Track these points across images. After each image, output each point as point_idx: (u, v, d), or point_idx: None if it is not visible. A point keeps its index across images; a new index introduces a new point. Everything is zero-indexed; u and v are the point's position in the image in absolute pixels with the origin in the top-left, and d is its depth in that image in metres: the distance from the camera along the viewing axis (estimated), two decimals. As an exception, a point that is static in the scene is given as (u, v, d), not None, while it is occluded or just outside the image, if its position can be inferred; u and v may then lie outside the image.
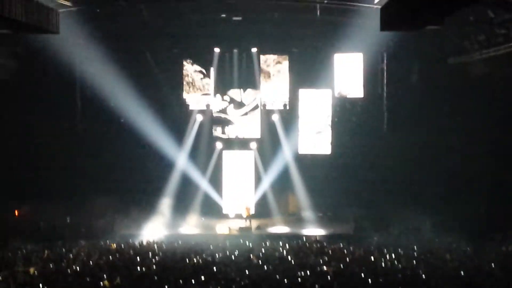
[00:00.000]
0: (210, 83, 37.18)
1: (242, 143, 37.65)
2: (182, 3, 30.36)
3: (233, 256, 24.05)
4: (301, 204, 36.74)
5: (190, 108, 37.38)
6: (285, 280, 18.85)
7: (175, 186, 36.80)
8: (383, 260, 22.68)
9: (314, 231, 33.22)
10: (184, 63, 36.96)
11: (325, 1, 29.42)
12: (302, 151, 37.12)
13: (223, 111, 37.45)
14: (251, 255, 23.95)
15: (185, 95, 37.29)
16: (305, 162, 37.09)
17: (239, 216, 35.41)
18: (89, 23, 30.47)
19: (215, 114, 37.55)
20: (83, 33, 30.93)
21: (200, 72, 37.06)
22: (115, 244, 27.71)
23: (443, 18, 19.46)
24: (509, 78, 29.23)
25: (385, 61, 35.33)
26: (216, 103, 37.46)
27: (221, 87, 37.29)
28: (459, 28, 29.12)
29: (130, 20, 32.11)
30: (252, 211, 36.12)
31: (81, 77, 35.69)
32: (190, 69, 37.01)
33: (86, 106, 36.20)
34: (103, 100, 35.54)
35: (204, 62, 37.00)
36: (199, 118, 37.38)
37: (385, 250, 24.97)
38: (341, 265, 21.74)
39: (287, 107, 37.29)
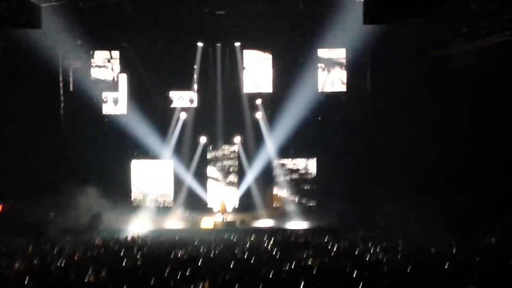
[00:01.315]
0: (193, 77, 37.14)
1: (226, 137, 37.63)
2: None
3: (217, 251, 24.07)
4: (286, 198, 36.82)
5: (173, 105, 37.30)
6: (270, 274, 18.85)
7: (161, 179, 37.01)
8: (368, 253, 22.72)
9: (298, 224, 33.28)
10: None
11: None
12: (285, 145, 37.10)
13: (206, 105, 37.39)
14: (236, 249, 23.97)
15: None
16: (289, 156, 37.17)
17: (222, 213, 35.40)
18: (71, 17, 30.35)
19: (198, 109, 37.50)
20: (66, 27, 30.81)
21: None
22: (100, 239, 27.68)
23: (426, 11, 19.49)
24: (493, 71, 29.31)
25: (368, 54, 35.36)
26: (200, 98, 37.37)
27: (204, 82, 37.20)
28: (442, 21, 29.17)
29: (113, 14, 31.95)
30: (229, 207, 36.22)
31: (64, 71, 35.55)
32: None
33: (69, 100, 36.04)
34: (86, 94, 35.58)
35: (187, 56, 36.88)
36: (182, 116, 37.27)
37: (370, 243, 25.03)
38: (326, 258, 21.75)
39: (270, 101, 37.27)
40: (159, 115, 36.92)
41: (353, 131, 35.66)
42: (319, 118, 36.76)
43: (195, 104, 37.25)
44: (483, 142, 30.59)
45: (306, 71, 35.52)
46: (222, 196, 36.69)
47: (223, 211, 35.17)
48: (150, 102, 36.78)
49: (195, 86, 37.06)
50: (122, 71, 36.37)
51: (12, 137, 33.88)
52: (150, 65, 36.33)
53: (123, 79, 36.58)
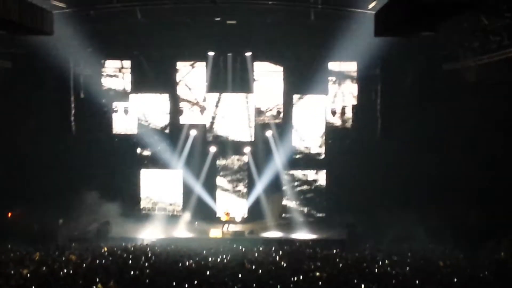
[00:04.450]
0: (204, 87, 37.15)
1: (236, 147, 37.63)
2: (176, 6, 30.30)
3: (226, 261, 24.06)
4: (295, 209, 36.78)
5: (182, 121, 37.45)
6: (278, 285, 18.84)
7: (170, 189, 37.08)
8: (376, 266, 22.68)
9: (307, 236, 33.24)
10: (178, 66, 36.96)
11: (319, 6, 29.39)
12: (296, 156, 37.17)
13: (217, 115, 37.43)
14: (244, 259, 23.95)
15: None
16: (298, 167, 37.17)
17: (227, 222, 35.33)
18: (83, 24, 30.43)
19: (209, 119, 37.55)
20: (77, 34, 30.88)
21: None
22: (107, 248, 27.67)
23: (437, 24, 19.46)
24: (503, 85, 29.25)
25: (379, 67, 35.33)
26: (210, 107, 37.40)
27: (215, 91, 37.19)
28: (453, 35, 29.15)
29: (124, 22, 31.99)
30: (237, 216, 36.18)
31: (75, 78, 35.59)
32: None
33: (79, 108, 36.10)
34: (97, 103, 35.74)
35: (198, 65, 36.90)
36: (192, 133, 37.32)
37: (379, 256, 24.98)
38: (334, 270, 21.73)
39: (281, 114, 37.30)
40: (170, 126, 37.02)
41: (362, 142, 35.64)
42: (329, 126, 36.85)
43: (205, 115, 37.25)
44: (493, 156, 30.49)
45: (317, 84, 35.55)
46: (227, 206, 36.63)
47: (228, 219, 35.14)
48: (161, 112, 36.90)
49: (206, 94, 37.05)
50: (133, 80, 36.42)
51: (22, 144, 33.94)
52: (161, 74, 36.36)
53: (133, 89, 36.66)
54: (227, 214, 35.51)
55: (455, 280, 19.84)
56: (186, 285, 18.57)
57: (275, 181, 36.61)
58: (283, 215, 37.18)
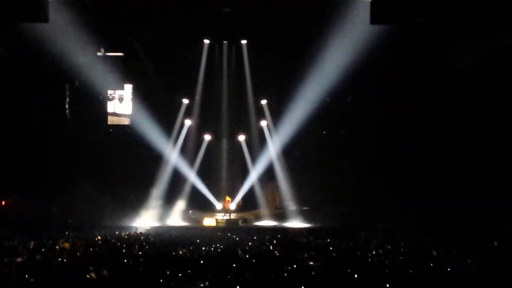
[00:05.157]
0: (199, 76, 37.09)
1: (230, 135, 37.61)
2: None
3: (219, 249, 24.04)
4: (288, 197, 36.75)
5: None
6: (271, 274, 18.81)
7: (163, 178, 36.88)
8: (369, 255, 22.67)
9: (301, 225, 33.25)
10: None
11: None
12: (289, 145, 37.05)
13: (212, 103, 37.39)
14: (238, 248, 23.93)
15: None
16: (292, 156, 37.13)
17: (226, 209, 35.35)
18: (78, 12, 30.30)
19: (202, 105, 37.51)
20: (73, 22, 30.76)
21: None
22: (101, 236, 27.65)
23: (433, 12, 19.45)
24: (499, 73, 29.23)
25: (374, 56, 35.17)
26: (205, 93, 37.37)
27: (210, 79, 37.13)
28: (449, 22, 29.06)
29: (120, 9, 31.89)
30: (233, 204, 36.17)
31: (70, 66, 35.44)
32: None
33: (74, 96, 36.02)
34: (92, 91, 35.62)
35: (193, 53, 36.79)
36: (187, 123, 37.29)
37: (372, 245, 24.97)
38: (328, 260, 21.71)
39: (275, 100, 37.27)
40: (165, 115, 36.95)
41: (357, 133, 35.60)
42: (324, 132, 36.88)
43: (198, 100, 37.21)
44: (487, 146, 30.49)
45: (313, 73, 35.41)
46: (226, 193, 36.63)
47: (227, 207, 35.13)
48: (156, 101, 36.77)
49: (201, 82, 36.97)
50: (128, 70, 36.31)
51: (16, 132, 33.85)
52: (157, 63, 36.27)
53: (129, 77, 36.55)
54: (228, 201, 35.50)
55: (449, 269, 19.82)
56: (180, 274, 18.54)
57: (269, 170, 36.60)
58: (278, 204, 37.19)
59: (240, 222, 33.81)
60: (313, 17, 32.13)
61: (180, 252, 22.94)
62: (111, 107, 36.76)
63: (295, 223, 33.76)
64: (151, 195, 36.49)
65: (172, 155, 36.88)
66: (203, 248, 24.26)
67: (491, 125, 30.38)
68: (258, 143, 37.22)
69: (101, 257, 21.69)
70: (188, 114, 37.46)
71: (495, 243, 25.14)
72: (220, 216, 34.46)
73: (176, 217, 34.45)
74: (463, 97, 31.25)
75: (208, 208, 36.31)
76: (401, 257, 22.22)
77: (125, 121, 36.88)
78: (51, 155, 34.39)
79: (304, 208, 36.08)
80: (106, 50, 35.76)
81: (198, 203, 36.44)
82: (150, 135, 36.08)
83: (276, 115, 37.00)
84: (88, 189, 33.24)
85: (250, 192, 36.67)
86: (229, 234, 29.34)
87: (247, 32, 35.38)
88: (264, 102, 37.35)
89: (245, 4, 31.66)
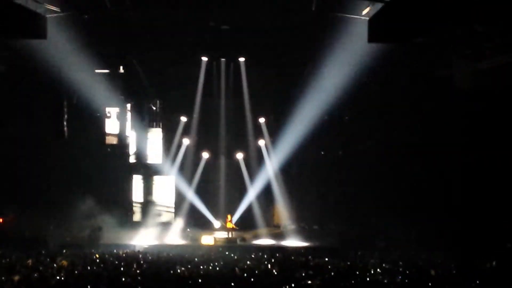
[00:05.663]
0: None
1: (228, 153, 37.63)
2: (170, 10, 30.29)
3: (217, 268, 23.99)
4: (286, 216, 36.70)
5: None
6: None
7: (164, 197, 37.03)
8: (368, 274, 22.63)
9: (299, 243, 33.21)
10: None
11: (313, 9, 29.28)
12: (287, 163, 37.04)
13: (210, 120, 37.40)
14: (236, 267, 23.88)
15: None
16: (290, 174, 37.15)
17: (224, 228, 35.33)
18: (76, 28, 30.32)
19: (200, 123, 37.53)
20: (71, 39, 30.78)
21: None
22: (99, 254, 27.59)
23: (431, 31, 19.51)
24: (496, 92, 29.26)
25: (372, 73, 35.20)
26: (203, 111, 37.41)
27: (208, 97, 37.16)
28: (447, 41, 29.15)
29: (118, 27, 31.93)
30: (234, 222, 36.12)
31: (68, 83, 35.42)
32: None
33: (72, 113, 35.99)
34: (90, 108, 35.58)
35: (191, 70, 36.79)
36: (185, 142, 37.41)
37: (370, 264, 24.93)
38: (326, 278, 21.67)
39: (273, 118, 37.35)
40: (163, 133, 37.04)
41: (355, 151, 35.63)
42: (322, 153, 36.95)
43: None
44: (486, 163, 30.48)
45: (311, 91, 35.43)
46: (226, 211, 36.57)
47: (229, 226, 35.07)
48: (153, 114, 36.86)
49: (199, 99, 36.98)
50: (126, 87, 36.32)
51: (14, 149, 33.83)
52: (154, 80, 36.33)
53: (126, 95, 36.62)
54: (230, 221, 35.46)
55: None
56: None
57: (267, 188, 36.61)
58: (275, 223, 37.21)
59: (238, 241, 33.74)
60: (311, 35, 32.20)
61: (178, 271, 22.91)
62: (109, 124, 36.75)
63: (293, 241, 33.69)
64: (149, 213, 36.49)
65: (170, 172, 36.84)
66: (201, 266, 24.22)
67: (489, 142, 30.33)
68: (256, 161, 37.24)
69: (99, 275, 21.64)
70: (186, 132, 37.39)
71: (494, 263, 25.12)
72: (219, 235, 34.38)
73: (174, 235, 34.35)
74: (461, 114, 31.26)
75: (206, 226, 36.26)
76: (400, 277, 22.18)
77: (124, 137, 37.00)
78: (49, 172, 34.39)
79: (302, 225, 36.07)
80: (104, 67, 35.74)
81: (196, 221, 36.39)
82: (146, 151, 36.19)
83: (274, 133, 37.00)
84: (86, 206, 33.17)
85: (249, 211, 36.61)
86: (227, 253, 29.30)
87: (245, 50, 35.41)
88: (262, 120, 37.37)
89: (243, 22, 31.74)
